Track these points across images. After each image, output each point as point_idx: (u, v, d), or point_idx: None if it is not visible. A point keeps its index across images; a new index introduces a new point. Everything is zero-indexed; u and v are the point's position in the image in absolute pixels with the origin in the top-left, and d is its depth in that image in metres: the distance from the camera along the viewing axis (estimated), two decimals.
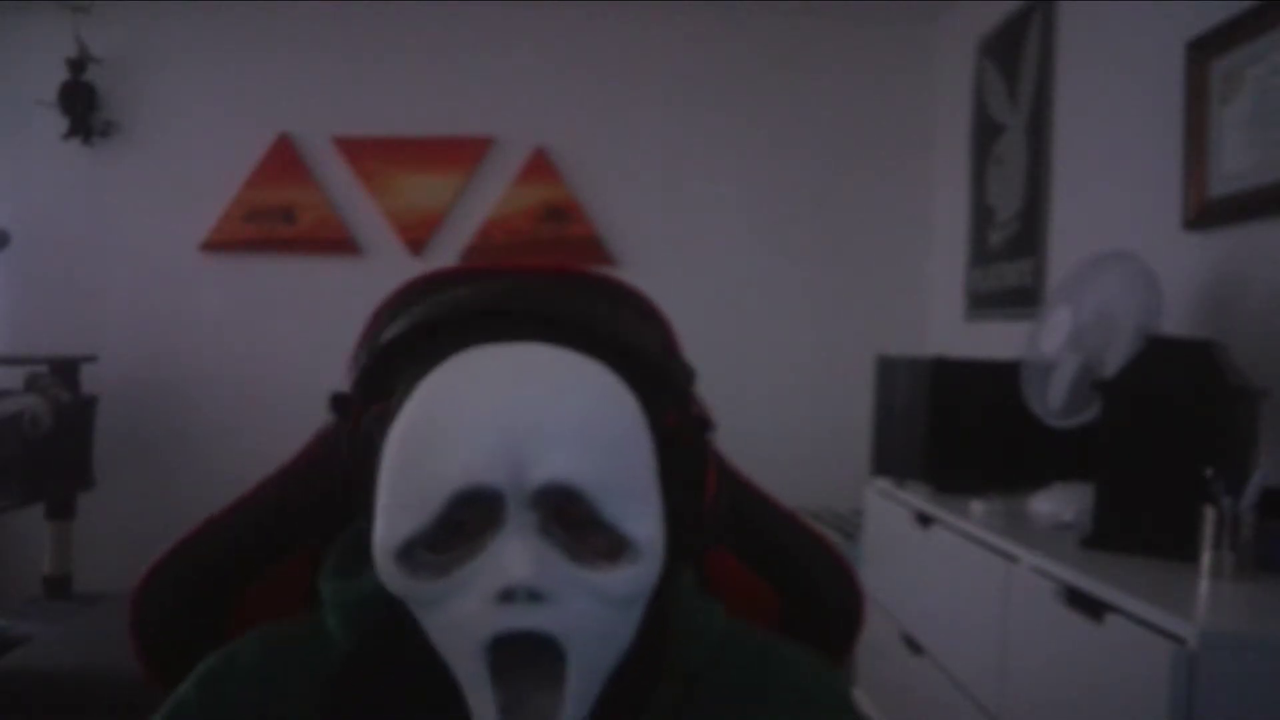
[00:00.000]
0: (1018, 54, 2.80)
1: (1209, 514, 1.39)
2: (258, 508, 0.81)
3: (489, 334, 0.65)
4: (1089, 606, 1.39)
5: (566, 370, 0.63)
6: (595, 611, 0.61)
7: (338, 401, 0.74)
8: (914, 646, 2.11)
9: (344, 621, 0.71)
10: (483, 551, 0.60)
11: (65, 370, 3.16)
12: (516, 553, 0.59)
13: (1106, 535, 1.57)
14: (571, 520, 0.61)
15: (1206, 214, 1.87)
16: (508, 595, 0.58)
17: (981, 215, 3.04)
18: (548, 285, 0.71)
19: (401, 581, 0.62)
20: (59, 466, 3.07)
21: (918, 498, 2.20)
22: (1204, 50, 1.88)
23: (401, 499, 0.62)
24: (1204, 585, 1.38)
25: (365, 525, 0.69)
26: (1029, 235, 2.68)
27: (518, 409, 0.61)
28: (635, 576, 0.62)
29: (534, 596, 0.58)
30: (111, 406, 3.31)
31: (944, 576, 2.00)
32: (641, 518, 0.62)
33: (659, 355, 0.70)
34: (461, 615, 0.60)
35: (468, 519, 0.61)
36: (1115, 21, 2.30)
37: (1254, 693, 1.17)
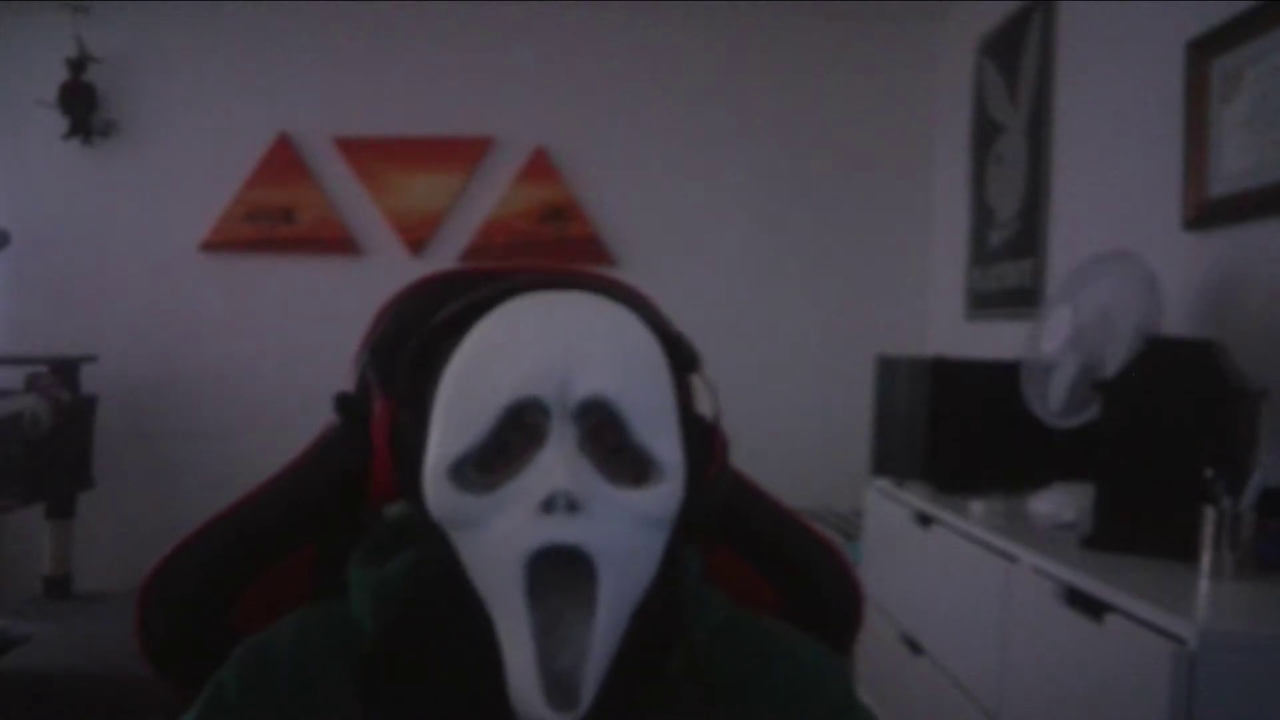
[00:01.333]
0: (1018, 54, 2.80)
1: (1209, 514, 1.39)
2: (261, 506, 0.82)
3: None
4: (1089, 606, 1.39)
5: (605, 310, 0.71)
6: (625, 530, 0.65)
7: (343, 402, 0.75)
8: (914, 646, 2.12)
9: (371, 605, 0.73)
10: (526, 468, 0.65)
11: (65, 370, 3.16)
12: (559, 463, 0.64)
13: (1106, 535, 1.57)
14: (605, 445, 0.67)
15: (1206, 214, 1.87)
16: (549, 503, 0.63)
17: (981, 215, 3.04)
18: (567, 277, 0.75)
19: (451, 497, 0.66)
20: (59, 466, 3.06)
21: (918, 498, 2.20)
22: (1204, 50, 1.88)
23: (457, 419, 0.67)
24: (1204, 585, 1.38)
25: (390, 517, 0.74)
26: (1029, 235, 2.68)
27: (564, 334, 0.68)
28: (661, 495, 0.68)
29: (572, 506, 0.63)
30: (111, 406, 3.31)
31: (944, 576, 2.00)
32: (667, 441, 0.69)
33: (674, 330, 0.77)
34: (504, 531, 0.64)
35: (514, 441, 0.66)
36: (1115, 21, 2.30)
37: (1254, 693, 1.17)
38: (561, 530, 0.63)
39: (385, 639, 0.71)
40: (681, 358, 0.75)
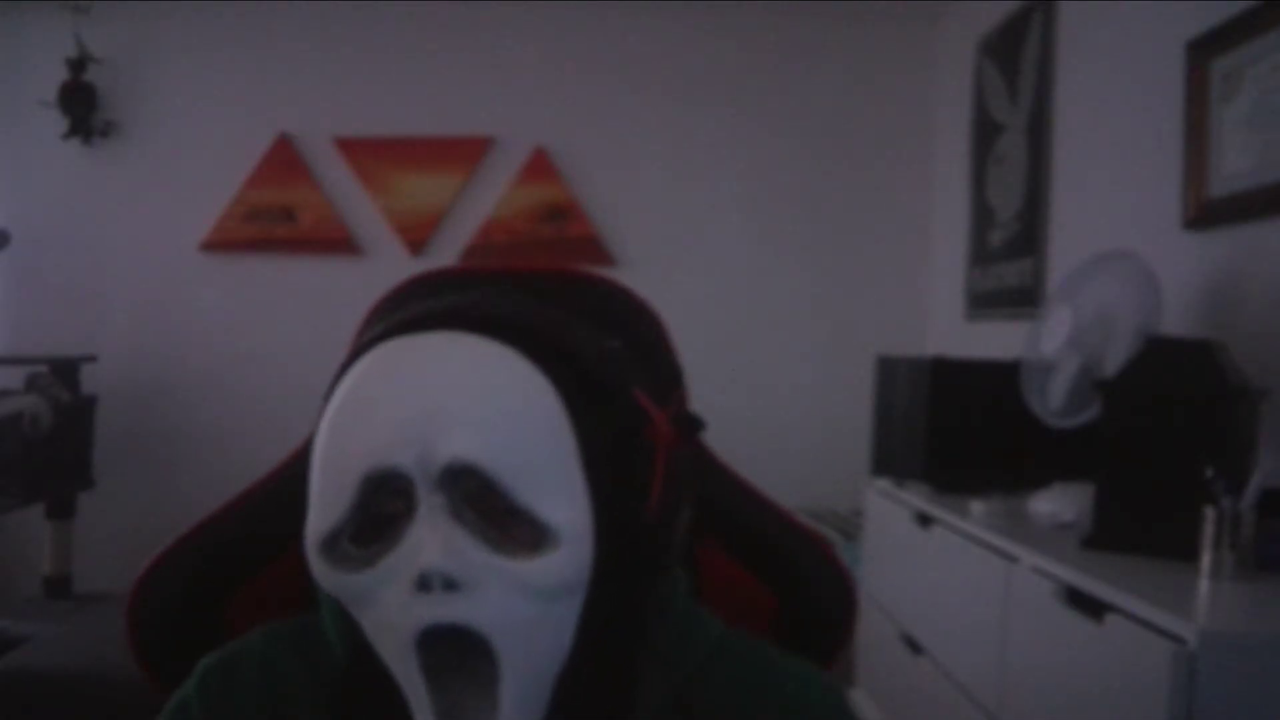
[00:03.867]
0: (1018, 54, 2.80)
1: (1209, 514, 1.39)
2: (251, 508, 0.82)
3: (415, 329, 0.65)
4: (1089, 606, 1.39)
5: (475, 356, 0.63)
6: (519, 605, 0.60)
7: None
8: (914, 646, 2.11)
9: (337, 627, 0.71)
10: (401, 541, 0.60)
11: (65, 370, 3.16)
12: (428, 538, 0.59)
13: (1106, 535, 1.57)
14: (491, 511, 0.60)
15: (1206, 214, 1.87)
16: (424, 582, 0.58)
17: (981, 215, 3.04)
18: (514, 288, 0.71)
19: (329, 575, 0.62)
20: (59, 466, 3.07)
21: (918, 498, 2.20)
22: (1204, 50, 1.88)
23: (322, 490, 0.63)
24: (1204, 585, 1.38)
25: None
26: (1029, 235, 2.68)
27: (422, 391, 0.61)
28: (555, 564, 0.60)
29: (450, 585, 0.58)
30: (111, 406, 3.31)
31: (944, 576, 2.00)
32: (558, 503, 0.61)
33: (592, 355, 0.68)
34: (387, 610, 0.60)
35: (389, 509, 0.61)
36: (1115, 21, 2.30)
37: (1254, 693, 1.17)
38: (443, 610, 0.58)
39: (357, 665, 0.68)
40: (606, 380, 0.66)
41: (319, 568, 0.63)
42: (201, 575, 0.81)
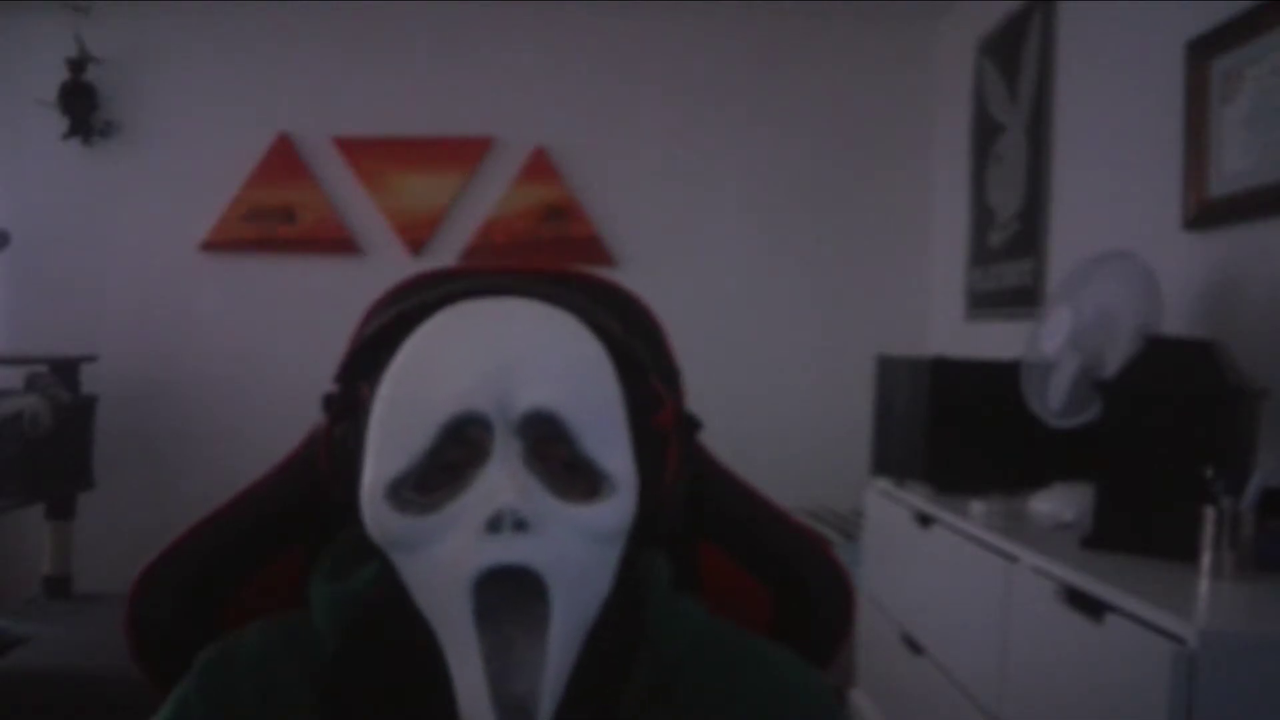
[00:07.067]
0: (1018, 54, 2.80)
1: (1209, 514, 1.39)
2: (249, 508, 0.82)
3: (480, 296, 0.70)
4: (1089, 606, 1.39)
5: (547, 317, 0.68)
6: (577, 547, 0.63)
7: (329, 402, 0.75)
8: (914, 646, 2.11)
9: (329, 621, 0.72)
10: (470, 486, 0.63)
11: (65, 370, 3.16)
12: (504, 480, 0.62)
13: (1106, 535, 1.57)
14: (552, 460, 0.64)
15: (1206, 214, 1.87)
16: (495, 522, 0.61)
17: (981, 215, 3.04)
18: (530, 280, 0.73)
19: (390, 520, 0.64)
20: (59, 466, 3.06)
21: (918, 498, 2.20)
22: (1204, 50, 1.88)
23: (393, 436, 0.65)
24: (1204, 585, 1.38)
25: (351, 525, 0.70)
26: (1029, 235, 2.68)
27: (504, 343, 0.65)
28: (613, 510, 0.65)
29: (520, 525, 0.61)
30: (111, 406, 3.31)
31: (944, 576, 2.00)
32: (616, 452, 0.66)
33: (623, 337, 0.73)
34: (449, 553, 0.62)
35: (455, 459, 0.64)
36: (1115, 21, 2.30)
37: (1254, 693, 1.17)
38: (509, 550, 0.61)
39: (343, 660, 0.69)
40: (632, 365, 0.72)
41: (381, 512, 0.64)
42: (199, 576, 0.81)
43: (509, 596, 0.62)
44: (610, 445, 0.66)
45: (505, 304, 0.68)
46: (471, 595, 0.61)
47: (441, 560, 0.62)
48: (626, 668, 0.70)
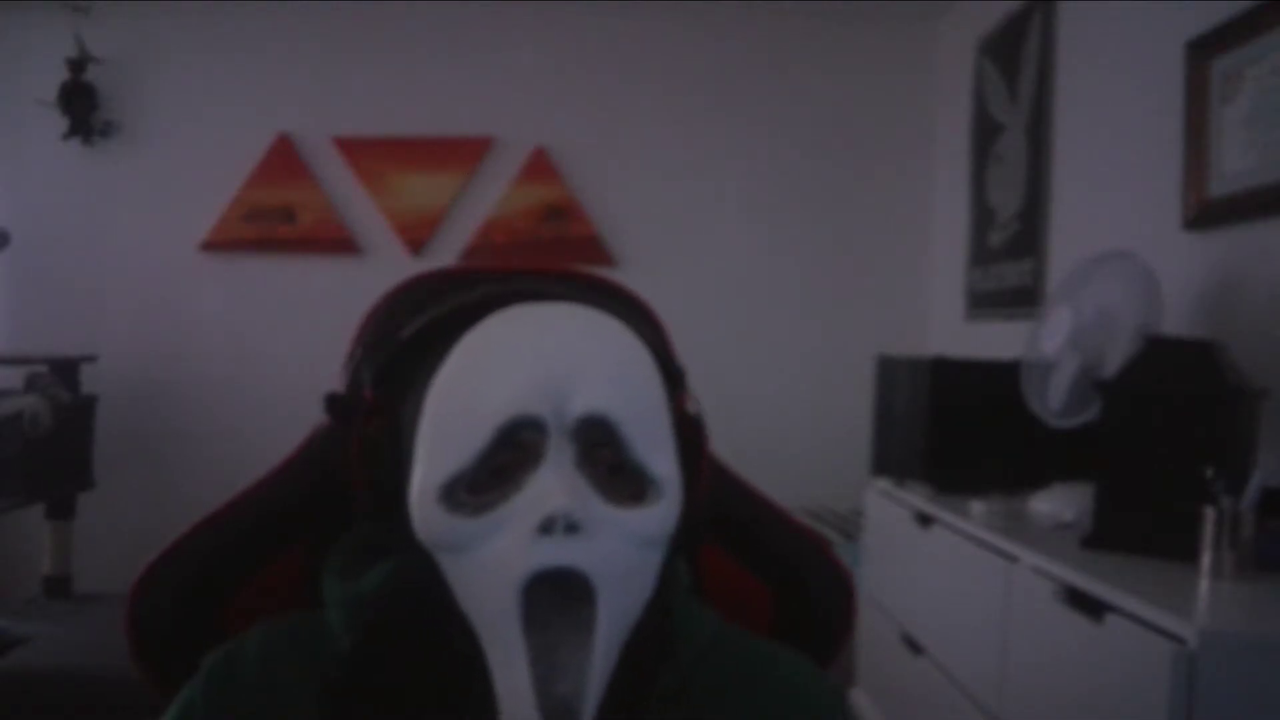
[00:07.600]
0: (1018, 54, 2.80)
1: (1209, 514, 1.39)
2: (250, 508, 0.82)
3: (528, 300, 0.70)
4: (1089, 606, 1.39)
5: (600, 323, 0.69)
6: (624, 550, 0.64)
7: (332, 402, 0.75)
8: (914, 646, 2.11)
9: (346, 620, 0.71)
10: (522, 489, 0.63)
11: (65, 370, 3.16)
12: (558, 483, 0.62)
13: (1106, 535, 1.57)
14: (602, 464, 0.65)
15: (1206, 214, 1.87)
16: (548, 525, 0.61)
17: (981, 215, 3.04)
18: (556, 282, 0.74)
19: (443, 520, 0.64)
20: (59, 466, 3.06)
21: (918, 498, 2.20)
22: (1204, 50, 1.88)
23: (447, 437, 0.65)
24: (1204, 585, 1.38)
25: (371, 523, 0.70)
26: (1029, 235, 2.68)
27: (560, 348, 0.66)
28: (660, 514, 0.66)
29: (571, 528, 0.61)
30: (111, 406, 3.31)
31: (944, 576, 2.00)
32: (663, 457, 0.67)
33: (657, 343, 0.74)
34: (499, 554, 0.63)
35: (505, 462, 0.64)
36: (1115, 21, 2.30)
37: (1254, 693, 1.17)
38: (560, 553, 0.61)
39: (358, 660, 0.69)
40: (669, 371, 0.73)
41: (433, 514, 0.64)
42: (200, 576, 0.81)
43: (556, 598, 0.62)
44: (658, 450, 0.67)
45: (557, 309, 0.69)
46: (521, 596, 0.62)
47: (491, 561, 0.63)
48: (657, 670, 0.70)
